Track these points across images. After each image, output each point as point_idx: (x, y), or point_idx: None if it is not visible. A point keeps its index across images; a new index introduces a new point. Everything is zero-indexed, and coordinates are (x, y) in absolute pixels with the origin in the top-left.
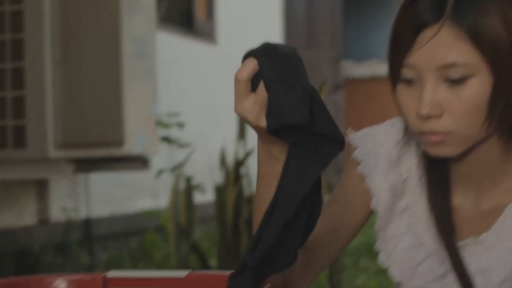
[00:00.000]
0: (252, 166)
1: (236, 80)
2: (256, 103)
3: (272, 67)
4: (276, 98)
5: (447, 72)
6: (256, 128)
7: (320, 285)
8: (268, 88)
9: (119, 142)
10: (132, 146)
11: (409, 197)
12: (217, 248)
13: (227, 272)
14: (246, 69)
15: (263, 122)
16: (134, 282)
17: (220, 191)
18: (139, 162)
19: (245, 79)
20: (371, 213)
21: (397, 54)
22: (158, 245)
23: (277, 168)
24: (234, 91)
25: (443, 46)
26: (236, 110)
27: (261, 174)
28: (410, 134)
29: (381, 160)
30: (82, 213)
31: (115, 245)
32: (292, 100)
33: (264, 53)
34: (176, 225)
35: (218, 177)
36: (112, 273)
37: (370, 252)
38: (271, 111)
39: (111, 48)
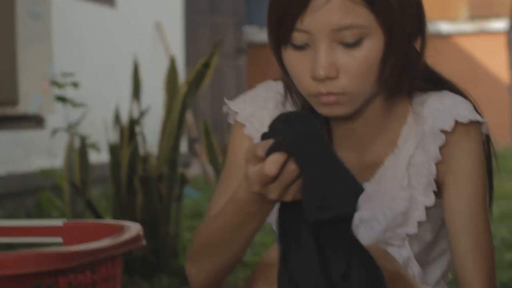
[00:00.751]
0: (146, 125)
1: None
2: (281, 184)
3: (306, 155)
4: (322, 188)
5: (342, 34)
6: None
7: None
8: (310, 178)
9: (14, 101)
10: (26, 105)
11: None
12: (112, 207)
13: (104, 221)
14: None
15: (288, 198)
16: (10, 230)
17: (114, 149)
18: (34, 121)
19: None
20: None
21: (287, 19)
22: (54, 204)
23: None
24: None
25: (338, 9)
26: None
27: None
28: (287, 96)
29: (265, 121)
30: None
31: (12, 203)
32: (340, 188)
33: (294, 144)
34: (71, 183)
35: (113, 136)
36: None
37: None
38: (318, 202)
39: (5, 9)
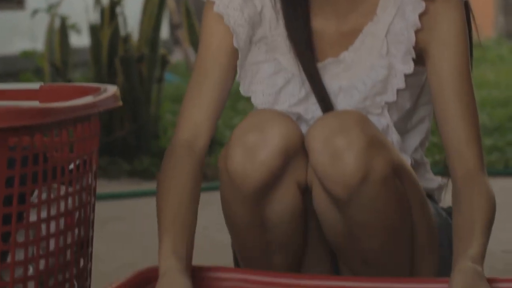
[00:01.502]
0: (127, 6)
1: None
2: None
3: None
4: None
5: None
6: None
7: None
8: None
9: None
10: None
11: (266, 25)
12: None
13: (81, 84)
14: None
15: None
16: None
17: (95, 30)
18: (15, 1)
19: None
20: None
21: None
22: None
23: None
24: None
25: None
26: None
27: None
28: None
29: None
30: None
31: None
32: None
33: None
34: (51, 64)
35: (93, 17)
36: None
37: None
38: None
39: None
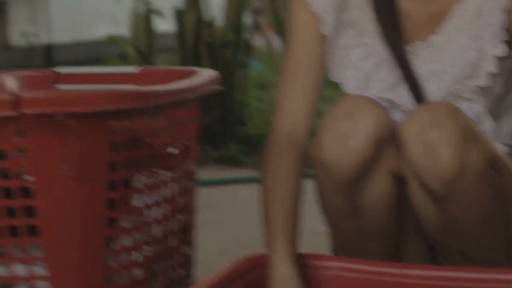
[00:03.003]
0: None
1: None
2: None
3: None
4: None
5: None
6: None
7: None
8: None
9: None
10: None
11: (353, 9)
12: None
13: (178, 67)
14: None
15: None
16: (86, 77)
17: (179, 15)
18: None
19: None
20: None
21: None
22: None
23: None
24: None
25: None
26: None
27: None
28: None
29: None
30: (43, 39)
31: None
32: None
33: None
34: (136, 49)
35: (177, 2)
36: (63, 69)
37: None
38: None
39: None
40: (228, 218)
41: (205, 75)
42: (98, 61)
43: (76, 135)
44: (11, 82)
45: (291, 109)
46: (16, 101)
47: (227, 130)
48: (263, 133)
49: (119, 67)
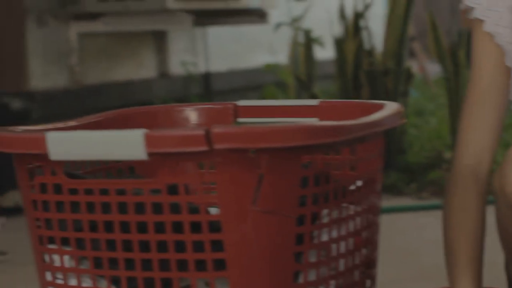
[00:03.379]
0: (371, 19)
1: None
2: None
3: None
4: None
5: None
6: None
7: (442, 138)
8: None
9: None
10: None
11: None
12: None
13: (358, 101)
14: None
15: None
16: (266, 110)
17: (339, 44)
18: (257, 15)
19: None
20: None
21: None
22: (277, 99)
23: None
24: None
25: None
26: None
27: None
28: None
29: (504, 13)
30: (201, 67)
31: (234, 99)
32: None
33: None
34: (296, 77)
35: (337, 31)
36: (243, 102)
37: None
38: None
39: None
40: (391, 247)
41: (392, 108)
42: (254, 89)
43: (267, 169)
44: (195, 115)
45: (476, 144)
46: (208, 136)
47: (387, 158)
48: (422, 161)
49: (299, 100)
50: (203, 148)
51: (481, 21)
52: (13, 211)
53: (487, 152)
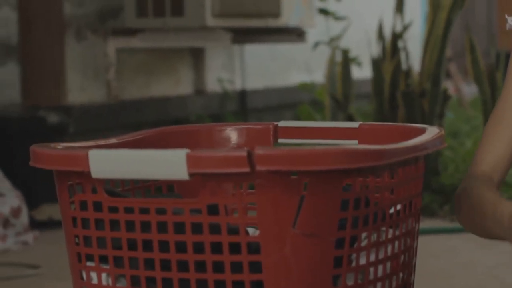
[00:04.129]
0: (409, 40)
1: None
2: None
3: None
4: None
5: None
6: None
7: None
8: None
9: (276, 13)
10: (288, 17)
11: None
12: (374, 121)
13: (396, 124)
14: None
15: None
16: (306, 131)
17: (377, 64)
18: (295, 34)
19: None
20: None
21: None
22: (312, 118)
23: None
24: None
25: None
26: None
27: None
28: None
29: None
30: (237, 85)
31: (270, 117)
32: None
33: None
34: (332, 97)
35: (374, 51)
36: (283, 123)
37: None
38: None
39: None
40: (423, 270)
41: (433, 132)
42: (290, 108)
43: (308, 192)
44: (236, 135)
45: (494, 153)
46: (250, 158)
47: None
48: (456, 183)
49: (339, 122)
50: (245, 169)
51: None
52: (46, 225)
53: (503, 162)
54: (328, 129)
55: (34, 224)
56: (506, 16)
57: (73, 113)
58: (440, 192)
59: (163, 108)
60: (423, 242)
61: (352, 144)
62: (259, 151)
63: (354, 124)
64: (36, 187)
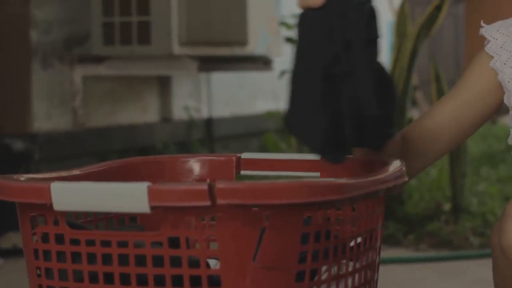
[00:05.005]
0: None
1: None
2: None
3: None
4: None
5: None
6: None
7: (441, 190)
8: None
9: (243, 42)
10: (254, 46)
11: None
12: None
13: (358, 156)
14: None
15: None
16: (268, 163)
17: None
18: (262, 62)
19: None
20: (494, 111)
21: None
22: (278, 146)
23: None
24: None
25: None
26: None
27: None
28: None
29: None
30: (204, 113)
31: (236, 145)
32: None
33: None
34: None
35: None
36: (246, 155)
37: (491, 161)
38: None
39: None
40: None
41: (395, 166)
42: (256, 136)
43: (269, 225)
44: (198, 167)
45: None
46: (211, 191)
47: (386, 209)
48: (421, 213)
49: (301, 154)
50: (206, 203)
51: (490, 57)
52: (11, 253)
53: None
54: (290, 161)
55: None
56: (482, 23)
57: (39, 140)
58: (404, 221)
59: (130, 135)
60: (386, 271)
61: (314, 176)
62: (220, 185)
63: (316, 157)
64: (0, 215)
